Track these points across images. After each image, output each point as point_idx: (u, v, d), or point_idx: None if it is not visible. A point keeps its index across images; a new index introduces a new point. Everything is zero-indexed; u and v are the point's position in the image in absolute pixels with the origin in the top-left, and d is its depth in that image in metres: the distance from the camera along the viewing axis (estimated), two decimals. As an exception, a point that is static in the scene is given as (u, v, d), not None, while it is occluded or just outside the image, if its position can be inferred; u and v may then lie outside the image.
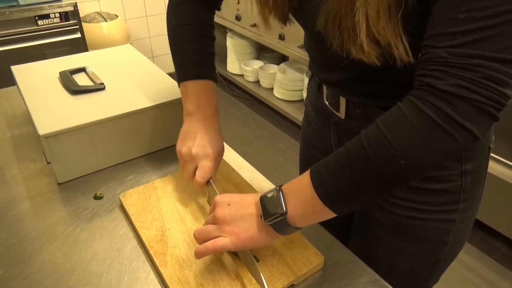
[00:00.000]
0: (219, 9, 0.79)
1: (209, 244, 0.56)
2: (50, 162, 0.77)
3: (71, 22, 2.27)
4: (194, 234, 0.59)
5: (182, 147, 0.71)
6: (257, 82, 2.87)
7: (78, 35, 2.31)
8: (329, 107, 0.72)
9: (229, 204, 0.58)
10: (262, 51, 3.01)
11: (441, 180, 0.65)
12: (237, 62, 2.96)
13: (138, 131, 0.86)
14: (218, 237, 0.56)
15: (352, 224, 0.83)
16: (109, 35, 2.59)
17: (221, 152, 0.73)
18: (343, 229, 0.84)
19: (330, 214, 0.53)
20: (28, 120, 1.00)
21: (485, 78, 0.43)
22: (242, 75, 2.97)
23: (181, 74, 0.75)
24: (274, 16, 0.63)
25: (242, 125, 2.73)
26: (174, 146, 0.92)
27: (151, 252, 0.63)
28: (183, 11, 0.75)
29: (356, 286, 0.60)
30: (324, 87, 0.73)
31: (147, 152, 0.90)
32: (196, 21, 0.74)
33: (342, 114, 0.69)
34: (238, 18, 2.71)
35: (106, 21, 2.63)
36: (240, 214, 0.57)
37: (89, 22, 2.59)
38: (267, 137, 2.60)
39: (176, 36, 0.75)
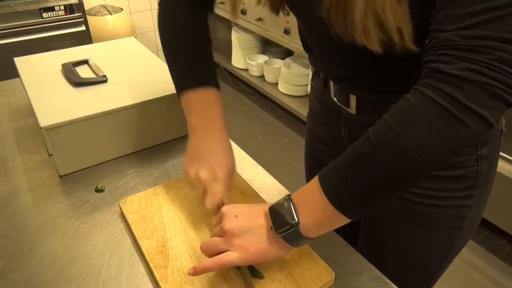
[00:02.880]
0: (212, 10, 0.74)
1: (216, 259, 0.53)
2: (51, 154, 0.77)
3: (76, 15, 2.27)
4: (201, 247, 0.56)
5: (190, 169, 0.65)
6: (262, 76, 2.86)
7: (83, 28, 2.30)
8: (338, 103, 0.70)
9: (236, 216, 0.55)
10: (267, 46, 2.99)
11: (458, 167, 0.64)
12: (242, 56, 2.95)
13: (140, 124, 0.85)
14: (226, 250, 0.54)
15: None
16: (114, 28, 2.59)
17: (231, 171, 0.66)
18: (350, 224, 0.83)
19: (343, 220, 0.50)
20: (31, 111, 1.00)
21: (496, 60, 0.40)
22: (246, 70, 2.95)
23: (181, 83, 0.69)
24: (266, 5, 0.61)
25: (246, 120, 2.72)
26: (176, 139, 0.92)
27: (151, 265, 0.60)
28: (177, 17, 0.70)
29: (358, 283, 0.59)
30: (331, 84, 0.71)
31: (149, 145, 0.89)
32: (191, 26, 0.70)
33: (353, 110, 0.68)
34: (243, 12, 2.69)
35: (111, 14, 2.62)
36: (248, 226, 0.54)
37: (94, 15, 2.58)
38: (271, 132, 2.59)
39: (172, 44, 0.71)
